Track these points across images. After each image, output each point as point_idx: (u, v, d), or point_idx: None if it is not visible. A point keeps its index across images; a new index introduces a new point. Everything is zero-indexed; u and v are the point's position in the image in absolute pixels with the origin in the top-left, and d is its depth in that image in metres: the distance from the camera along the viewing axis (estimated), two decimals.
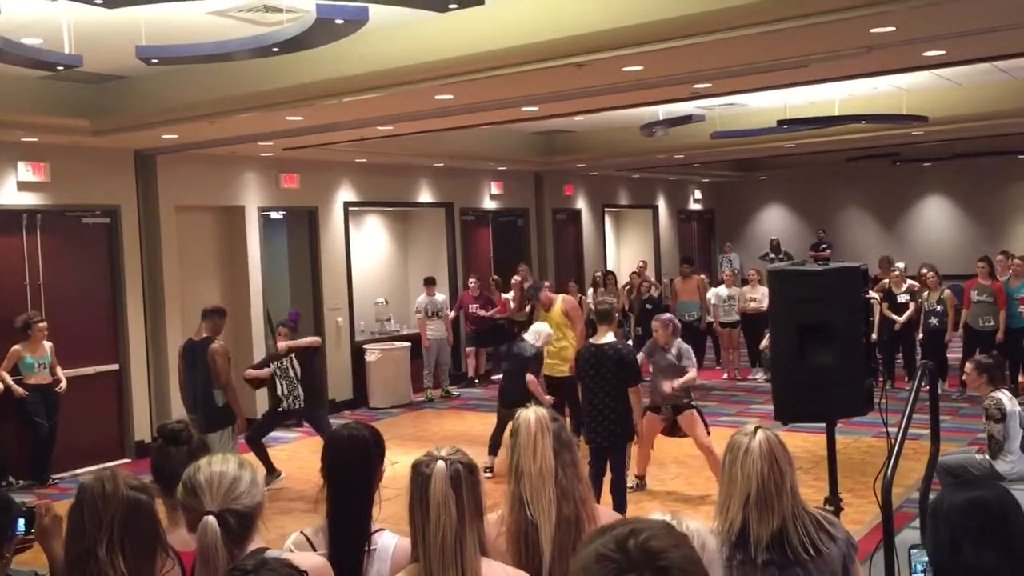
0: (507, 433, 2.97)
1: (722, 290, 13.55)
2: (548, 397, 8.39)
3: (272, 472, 8.44)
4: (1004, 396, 6.34)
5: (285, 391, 8.72)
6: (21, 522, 2.73)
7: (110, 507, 2.38)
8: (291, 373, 8.77)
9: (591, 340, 7.04)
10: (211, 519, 2.28)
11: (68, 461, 9.30)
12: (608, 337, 6.79)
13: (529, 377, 8.21)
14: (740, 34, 5.62)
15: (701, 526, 1.94)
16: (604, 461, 6.72)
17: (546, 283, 11.12)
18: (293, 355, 8.75)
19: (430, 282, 13.17)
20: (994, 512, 2.38)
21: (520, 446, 2.74)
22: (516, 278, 13.54)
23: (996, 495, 2.42)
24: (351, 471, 2.71)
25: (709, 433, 7.59)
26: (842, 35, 6.03)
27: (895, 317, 11.74)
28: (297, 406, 8.77)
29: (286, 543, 2.77)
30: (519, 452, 2.74)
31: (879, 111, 10.61)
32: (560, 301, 9.48)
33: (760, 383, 12.48)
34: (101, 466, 9.53)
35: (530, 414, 2.79)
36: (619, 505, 6.67)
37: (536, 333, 8.59)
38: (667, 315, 8.21)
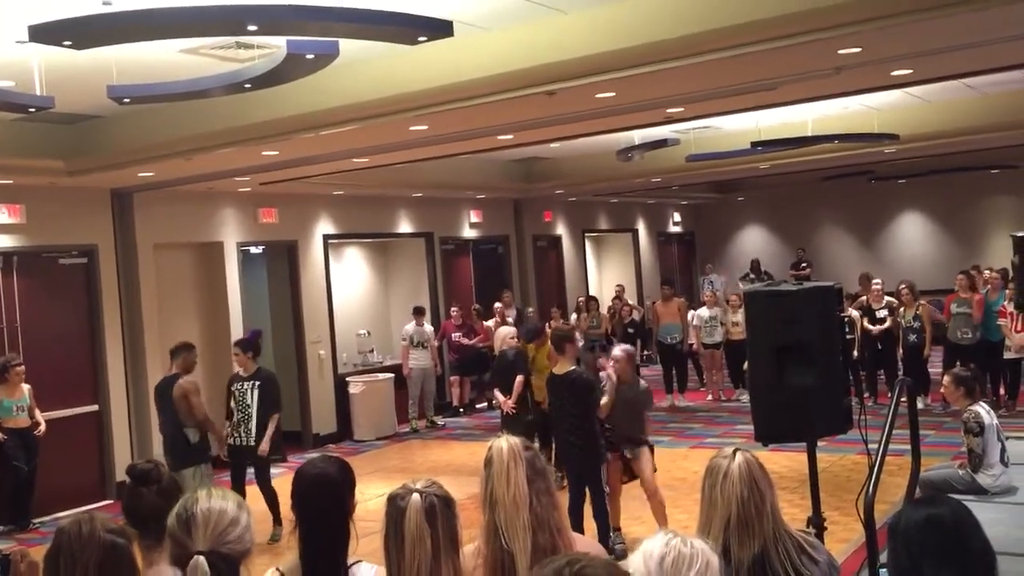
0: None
1: (704, 312, 13.57)
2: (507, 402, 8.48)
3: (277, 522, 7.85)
4: (982, 409, 6.36)
5: (236, 419, 7.87)
6: None
7: (87, 550, 2.36)
8: (248, 399, 7.86)
9: (554, 371, 7.00)
10: (201, 560, 2.22)
11: (49, 504, 9.18)
12: (568, 366, 6.81)
13: (519, 379, 8.34)
14: (709, 59, 5.68)
15: (705, 545, 1.93)
16: (583, 488, 6.71)
17: (530, 309, 11.16)
18: (257, 381, 7.90)
19: (419, 312, 13.13)
20: (950, 529, 2.37)
21: (493, 475, 2.72)
22: (498, 304, 13.55)
23: (952, 512, 2.41)
24: (321, 509, 2.67)
25: (655, 471, 7.13)
26: (810, 57, 6.10)
27: (872, 328, 11.80)
28: (247, 442, 7.82)
29: None
30: (492, 481, 2.72)
31: (851, 130, 10.73)
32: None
33: (744, 404, 12.48)
34: (82, 509, 9.46)
35: (502, 443, 2.78)
36: (603, 530, 6.64)
37: (505, 337, 8.66)
38: (626, 346, 7.68)
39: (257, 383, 7.92)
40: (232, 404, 7.97)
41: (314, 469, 2.75)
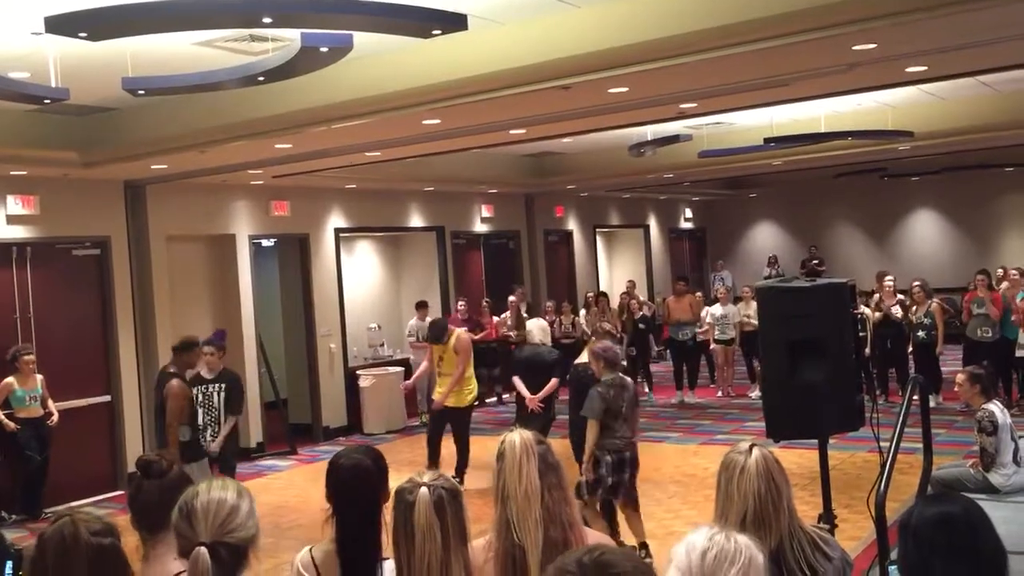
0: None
1: (716, 308, 13.53)
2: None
3: None
4: (996, 408, 6.33)
5: (203, 421, 7.62)
6: (9, 564, 2.70)
7: (72, 559, 2.27)
8: (215, 401, 7.70)
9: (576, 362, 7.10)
10: (203, 551, 2.21)
11: (61, 494, 9.20)
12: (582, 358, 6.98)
13: (552, 381, 8.42)
14: (723, 54, 5.66)
15: (750, 542, 1.86)
16: None
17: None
18: (222, 384, 7.72)
19: (422, 306, 13.14)
20: (962, 527, 2.36)
21: (506, 469, 2.73)
22: (513, 298, 13.54)
23: (964, 509, 2.40)
24: (356, 499, 2.72)
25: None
26: (824, 53, 6.07)
27: (896, 313, 11.68)
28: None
29: (296, 557, 2.81)
30: (504, 475, 2.72)
31: (865, 127, 10.68)
32: (455, 338, 9.41)
33: (755, 400, 12.46)
34: (94, 499, 9.51)
35: (515, 437, 2.78)
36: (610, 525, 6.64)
37: (541, 330, 8.75)
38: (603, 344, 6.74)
39: (223, 385, 7.75)
40: (196, 407, 7.60)
41: (349, 460, 2.80)
